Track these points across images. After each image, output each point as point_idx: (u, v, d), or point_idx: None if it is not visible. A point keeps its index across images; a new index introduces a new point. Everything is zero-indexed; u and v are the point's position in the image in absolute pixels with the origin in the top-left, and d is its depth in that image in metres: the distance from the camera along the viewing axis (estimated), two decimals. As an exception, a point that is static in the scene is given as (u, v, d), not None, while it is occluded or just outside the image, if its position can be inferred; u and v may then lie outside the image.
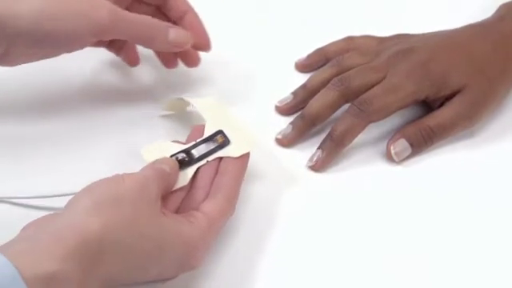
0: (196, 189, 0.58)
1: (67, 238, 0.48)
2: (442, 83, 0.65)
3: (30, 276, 0.45)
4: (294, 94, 0.69)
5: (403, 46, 0.68)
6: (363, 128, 0.64)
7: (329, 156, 0.64)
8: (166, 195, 0.56)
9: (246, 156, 0.60)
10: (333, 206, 0.63)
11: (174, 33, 0.64)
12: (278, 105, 0.68)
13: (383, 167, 0.65)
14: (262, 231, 0.60)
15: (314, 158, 0.64)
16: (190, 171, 0.58)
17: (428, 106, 0.68)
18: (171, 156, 0.59)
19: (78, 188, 0.53)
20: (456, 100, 0.66)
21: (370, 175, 0.65)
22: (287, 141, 0.66)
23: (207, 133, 0.61)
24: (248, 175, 0.60)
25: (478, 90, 0.66)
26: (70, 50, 0.62)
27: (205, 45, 0.68)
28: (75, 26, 0.60)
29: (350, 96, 0.65)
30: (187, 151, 0.59)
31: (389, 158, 0.65)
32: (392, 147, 0.65)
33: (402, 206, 0.62)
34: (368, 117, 0.64)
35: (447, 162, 0.66)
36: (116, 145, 0.66)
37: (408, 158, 0.65)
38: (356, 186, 0.64)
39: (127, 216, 0.51)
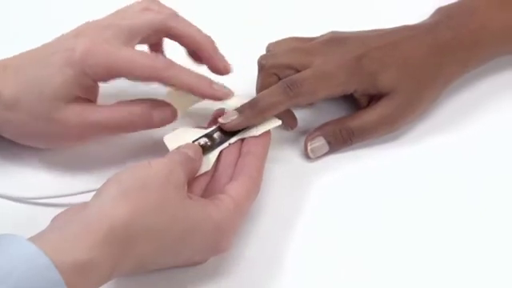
0: (220, 172, 0.59)
1: (96, 226, 0.49)
2: (371, 82, 0.64)
3: (63, 265, 0.46)
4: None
5: (338, 35, 0.67)
6: (287, 107, 0.63)
7: (244, 122, 0.62)
8: (191, 180, 0.57)
9: (268, 135, 0.61)
10: (358, 188, 0.64)
11: (158, 114, 0.61)
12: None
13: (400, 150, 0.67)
14: (288, 213, 0.62)
15: (229, 118, 0.61)
16: (213, 155, 0.60)
17: (355, 101, 0.67)
18: (193, 141, 0.60)
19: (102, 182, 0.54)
20: (381, 104, 0.65)
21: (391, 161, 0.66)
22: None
23: None
24: (272, 159, 0.62)
25: (405, 97, 0.65)
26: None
27: (222, 69, 0.65)
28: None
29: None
30: (209, 135, 0.61)
31: (305, 153, 0.65)
32: (309, 143, 0.65)
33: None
34: (295, 97, 0.63)
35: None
36: (139, 136, 0.65)
37: (325, 155, 0.65)
38: (381, 169, 0.65)
39: (155, 200, 0.51)
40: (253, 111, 0.62)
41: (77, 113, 0.60)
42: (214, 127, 0.62)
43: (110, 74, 0.60)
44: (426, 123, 0.68)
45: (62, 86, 0.59)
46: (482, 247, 0.60)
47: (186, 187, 0.54)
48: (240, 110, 0.62)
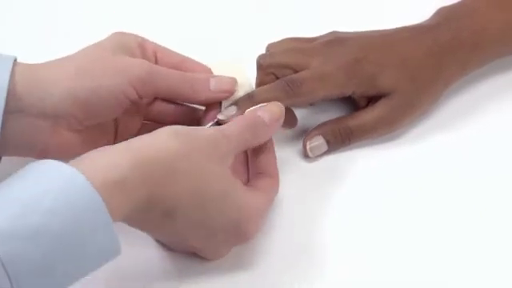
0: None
1: (139, 151, 0.50)
2: (370, 84, 0.64)
3: (100, 182, 0.47)
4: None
5: (337, 36, 0.67)
6: (284, 105, 0.62)
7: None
8: None
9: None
10: (358, 188, 0.64)
11: (215, 81, 0.61)
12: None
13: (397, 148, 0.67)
14: (287, 213, 0.62)
15: (228, 114, 0.61)
16: None
17: (353, 102, 0.67)
18: None
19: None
20: (380, 104, 0.65)
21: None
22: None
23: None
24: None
25: (404, 98, 0.65)
26: (111, 115, 0.60)
27: None
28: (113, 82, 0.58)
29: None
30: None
31: (304, 152, 0.65)
32: (308, 142, 0.65)
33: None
34: (294, 96, 0.63)
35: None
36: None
37: (324, 154, 0.65)
38: (381, 169, 0.66)
39: (205, 150, 0.53)
40: (250, 105, 0.61)
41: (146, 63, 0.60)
42: (211, 122, 0.61)
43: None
44: (426, 123, 0.68)
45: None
46: (482, 247, 0.60)
47: (229, 162, 0.55)
48: (237, 103, 0.62)
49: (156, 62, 0.62)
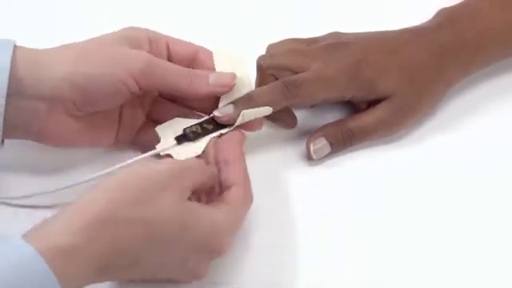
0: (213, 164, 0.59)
1: (84, 211, 0.49)
2: (370, 87, 0.64)
3: (48, 251, 0.46)
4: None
5: (338, 38, 0.67)
6: (282, 107, 0.63)
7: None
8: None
9: (238, 135, 0.61)
10: (361, 189, 0.65)
11: (215, 76, 0.61)
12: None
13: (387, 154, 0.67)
14: (292, 215, 0.62)
15: (224, 112, 0.61)
16: (203, 142, 0.61)
17: (354, 105, 0.67)
18: (184, 129, 0.61)
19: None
20: (381, 106, 0.65)
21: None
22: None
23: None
24: (274, 161, 0.64)
25: (404, 100, 0.65)
26: (110, 104, 0.60)
27: None
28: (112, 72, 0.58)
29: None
30: (201, 125, 0.61)
31: (307, 154, 0.65)
32: (312, 144, 0.65)
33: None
34: (293, 98, 0.63)
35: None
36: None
37: (327, 156, 0.65)
38: (383, 170, 0.66)
39: (150, 195, 0.51)
40: (248, 106, 0.61)
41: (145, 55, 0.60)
42: (206, 117, 0.62)
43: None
44: (428, 124, 0.68)
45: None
46: (482, 247, 0.61)
47: (188, 193, 0.54)
48: (235, 103, 0.62)
49: (169, 54, 0.63)
